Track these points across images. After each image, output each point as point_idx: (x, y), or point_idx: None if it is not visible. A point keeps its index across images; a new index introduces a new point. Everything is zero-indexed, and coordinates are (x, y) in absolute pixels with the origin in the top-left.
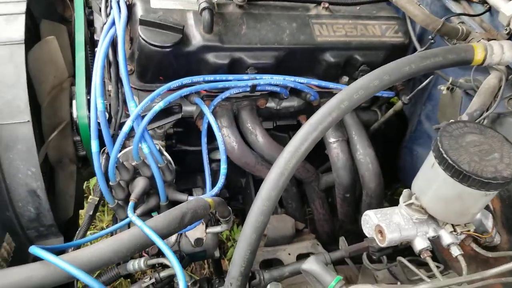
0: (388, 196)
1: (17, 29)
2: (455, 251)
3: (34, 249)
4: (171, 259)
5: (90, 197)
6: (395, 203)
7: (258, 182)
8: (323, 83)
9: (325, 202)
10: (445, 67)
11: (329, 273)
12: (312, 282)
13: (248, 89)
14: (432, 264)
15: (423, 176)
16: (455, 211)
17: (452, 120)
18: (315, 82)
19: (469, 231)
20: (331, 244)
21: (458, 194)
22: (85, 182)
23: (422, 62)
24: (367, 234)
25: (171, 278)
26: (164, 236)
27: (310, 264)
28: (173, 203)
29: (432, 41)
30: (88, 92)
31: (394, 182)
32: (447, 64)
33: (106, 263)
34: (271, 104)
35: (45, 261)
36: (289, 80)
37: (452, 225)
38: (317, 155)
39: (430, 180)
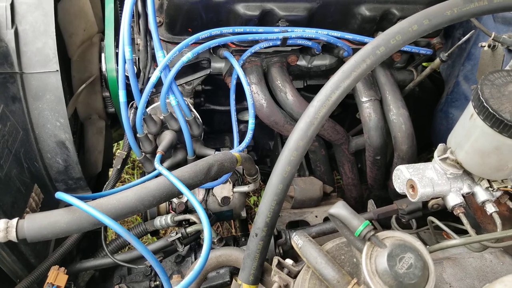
0: None
1: None
2: (490, 208)
3: (60, 195)
4: (194, 204)
5: (118, 151)
6: None
7: None
8: (358, 37)
9: (354, 166)
10: (490, 13)
11: (357, 218)
12: (339, 227)
13: (279, 42)
14: (465, 220)
15: (460, 128)
16: (492, 165)
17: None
18: (349, 36)
19: (506, 187)
20: (359, 211)
21: (497, 146)
22: (115, 144)
23: (465, 6)
24: (398, 190)
25: (198, 234)
26: (190, 186)
27: (337, 209)
28: (200, 158)
29: None
30: (117, 45)
31: (423, 153)
32: (493, 9)
33: (131, 211)
34: (302, 62)
35: (71, 207)
36: (322, 33)
37: (488, 180)
38: (348, 118)
39: (468, 133)
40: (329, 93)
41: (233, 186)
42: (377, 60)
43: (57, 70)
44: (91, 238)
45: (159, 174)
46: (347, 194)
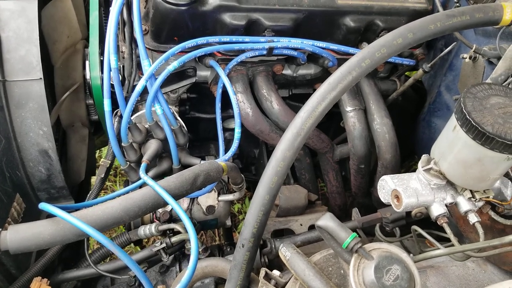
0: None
1: None
2: (473, 218)
3: (43, 205)
4: (182, 216)
5: (102, 159)
6: None
7: (271, 152)
8: (343, 48)
9: (338, 174)
10: (472, 27)
11: (345, 230)
12: (327, 239)
13: (265, 52)
14: (448, 230)
15: (443, 140)
16: (475, 176)
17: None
18: (334, 46)
19: (488, 197)
20: (343, 218)
21: (479, 157)
22: (98, 151)
23: (448, 21)
24: (383, 200)
25: (182, 244)
26: (176, 196)
27: (325, 221)
28: (185, 167)
29: (458, 4)
30: (102, 52)
31: (406, 161)
32: (474, 23)
33: (117, 222)
34: (288, 71)
35: (55, 218)
36: (308, 44)
37: (471, 191)
38: (332, 126)
39: (451, 144)
40: (316, 104)
41: (218, 194)
42: (363, 72)
43: (41, 78)
44: (73, 248)
45: (143, 184)
46: (331, 202)
